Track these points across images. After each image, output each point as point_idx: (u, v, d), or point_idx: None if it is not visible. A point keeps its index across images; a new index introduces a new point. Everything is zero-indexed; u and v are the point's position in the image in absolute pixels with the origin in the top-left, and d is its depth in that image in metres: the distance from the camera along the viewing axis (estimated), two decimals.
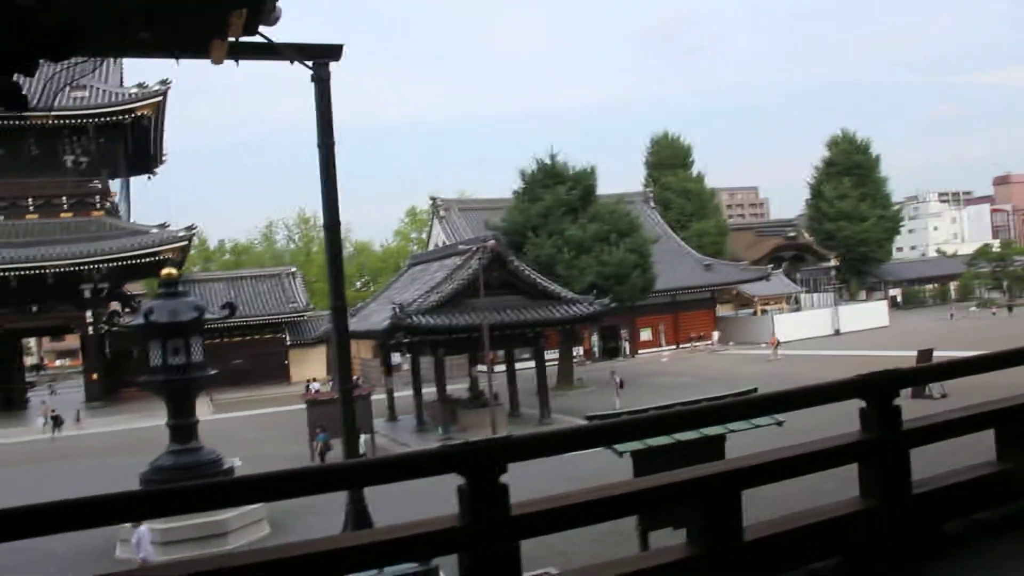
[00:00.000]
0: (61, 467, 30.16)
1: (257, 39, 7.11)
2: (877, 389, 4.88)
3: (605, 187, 54.01)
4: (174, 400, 17.65)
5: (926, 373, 5.00)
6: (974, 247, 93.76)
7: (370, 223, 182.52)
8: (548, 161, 45.94)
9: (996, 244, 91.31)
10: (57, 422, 40.72)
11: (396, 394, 39.20)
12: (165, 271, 19.21)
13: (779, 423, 12.22)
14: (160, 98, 47.28)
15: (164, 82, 47.35)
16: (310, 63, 13.10)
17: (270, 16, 5.79)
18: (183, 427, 17.58)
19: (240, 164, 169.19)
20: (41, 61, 5.16)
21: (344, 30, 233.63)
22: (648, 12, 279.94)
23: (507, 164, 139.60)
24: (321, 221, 13.48)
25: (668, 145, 78.03)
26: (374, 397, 42.74)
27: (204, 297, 58.96)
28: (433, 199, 64.13)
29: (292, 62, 12.75)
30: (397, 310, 29.72)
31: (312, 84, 12.95)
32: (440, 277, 33.03)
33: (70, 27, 4.90)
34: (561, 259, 42.21)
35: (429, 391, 35.38)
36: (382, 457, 4.81)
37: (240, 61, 11.00)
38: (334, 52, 13.77)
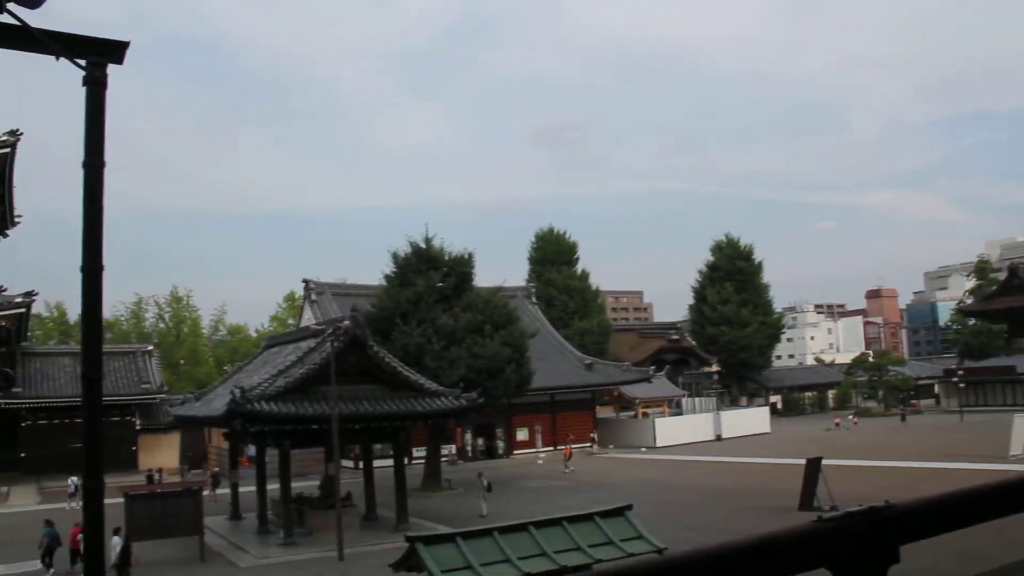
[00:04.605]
0: None
1: (8, 20, 5.07)
2: None
3: (488, 283, 51.75)
4: None
5: None
6: (849, 357, 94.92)
7: (250, 306, 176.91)
8: (423, 244, 43.16)
9: (871, 354, 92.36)
10: None
11: (245, 489, 35.55)
12: None
13: (660, 550, 9.77)
14: (7, 150, 43.12)
15: (13, 132, 43.31)
16: (82, 61, 10.19)
17: None
18: None
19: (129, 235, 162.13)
20: None
21: (236, 112, 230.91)
22: (546, 116, 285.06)
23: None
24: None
25: (553, 241, 76.91)
26: (224, 491, 38.96)
27: (46, 372, 54.61)
28: (306, 281, 60.44)
29: (57, 57, 9.91)
30: (237, 394, 26.23)
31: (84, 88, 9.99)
32: (291, 360, 29.58)
33: None
34: (430, 349, 38.96)
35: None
36: None
37: None
38: (115, 51, 10.65)
